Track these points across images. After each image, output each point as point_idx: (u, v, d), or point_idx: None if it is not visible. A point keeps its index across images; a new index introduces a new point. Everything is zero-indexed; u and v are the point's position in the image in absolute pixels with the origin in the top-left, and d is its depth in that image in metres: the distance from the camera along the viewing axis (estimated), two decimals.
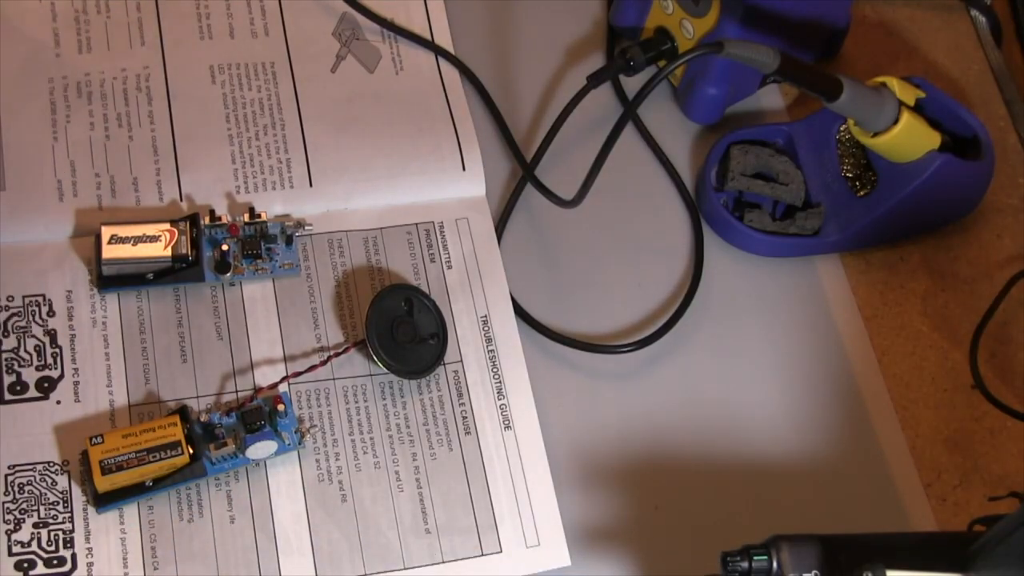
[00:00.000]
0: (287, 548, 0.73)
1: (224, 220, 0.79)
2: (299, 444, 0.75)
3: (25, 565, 0.71)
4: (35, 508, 0.72)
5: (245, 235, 0.79)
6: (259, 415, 0.74)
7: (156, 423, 0.72)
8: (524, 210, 0.85)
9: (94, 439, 0.72)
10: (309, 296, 0.80)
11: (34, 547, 0.71)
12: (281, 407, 0.74)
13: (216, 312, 0.79)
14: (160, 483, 0.72)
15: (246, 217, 0.80)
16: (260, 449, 0.73)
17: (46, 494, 0.72)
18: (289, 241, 0.80)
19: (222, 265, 0.78)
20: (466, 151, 0.85)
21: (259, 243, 0.79)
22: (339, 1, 0.89)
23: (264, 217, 0.80)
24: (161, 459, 0.72)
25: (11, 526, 0.72)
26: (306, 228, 0.80)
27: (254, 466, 0.74)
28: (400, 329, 0.77)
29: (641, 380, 0.80)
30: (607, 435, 0.78)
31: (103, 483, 0.71)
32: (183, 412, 0.73)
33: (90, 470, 0.71)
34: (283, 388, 0.76)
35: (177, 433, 0.72)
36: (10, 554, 0.71)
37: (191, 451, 0.72)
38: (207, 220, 0.79)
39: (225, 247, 0.78)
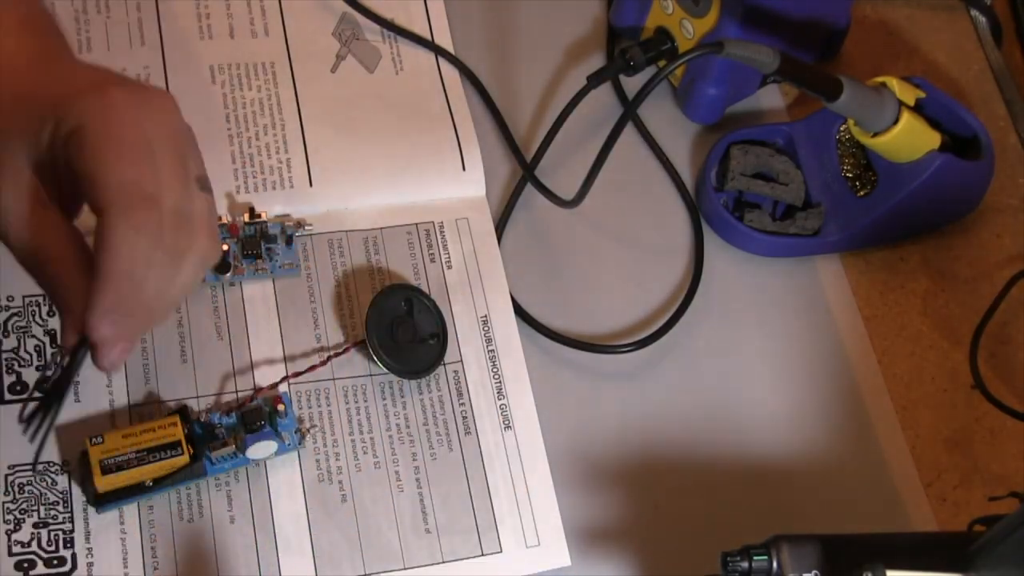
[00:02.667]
0: (287, 548, 0.73)
1: (224, 220, 0.79)
2: (299, 444, 0.75)
3: (25, 565, 0.71)
4: (35, 508, 0.72)
5: (245, 235, 0.79)
6: (259, 415, 0.74)
7: (156, 423, 0.72)
8: (524, 210, 0.85)
9: (94, 439, 0.71)
10: (309, 296, 0.80)
11: (34, 547, 0.71)
12: (281, 407, 0.74)
13: (216, 312, 0.79)
14: (160, 483, 0.72)
15: (246, 217, 0.80)
16: (260, 449, 0.73)
17: (46, 494, 0.72)
18: (289, 241, 0.80)
19: (222, 265, 0.78)
20: (466, 151, 0.85)
21: (259, 243, 0.79)
22: (339, 1, 0.89)
23: (264, 217, 0.80)
24: (161, 459, 0.71)
25: (11, 526, 0.71)
26: (306, 228, 0.80)
27: (254, 466, 0.74)
28: (400, 329, 0.77)
29: (641, 380, 0.80)
30: (607, 435, 0.78)
31: (103, 483, 0.71)
32: (183, 412, 0.73)
33: (90, 470, 0.71)
34: (283, 388, 0.76)
35: (177, 433, 0.72)
36: (10, 554, 0.71)
37: (191, 451, 0.72)
38: None
39: (225, 247, 0.78)
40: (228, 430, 0.73)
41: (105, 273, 0.59)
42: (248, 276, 0.79)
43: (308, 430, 0.75)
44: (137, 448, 0.71)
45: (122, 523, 0.72)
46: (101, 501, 0.71)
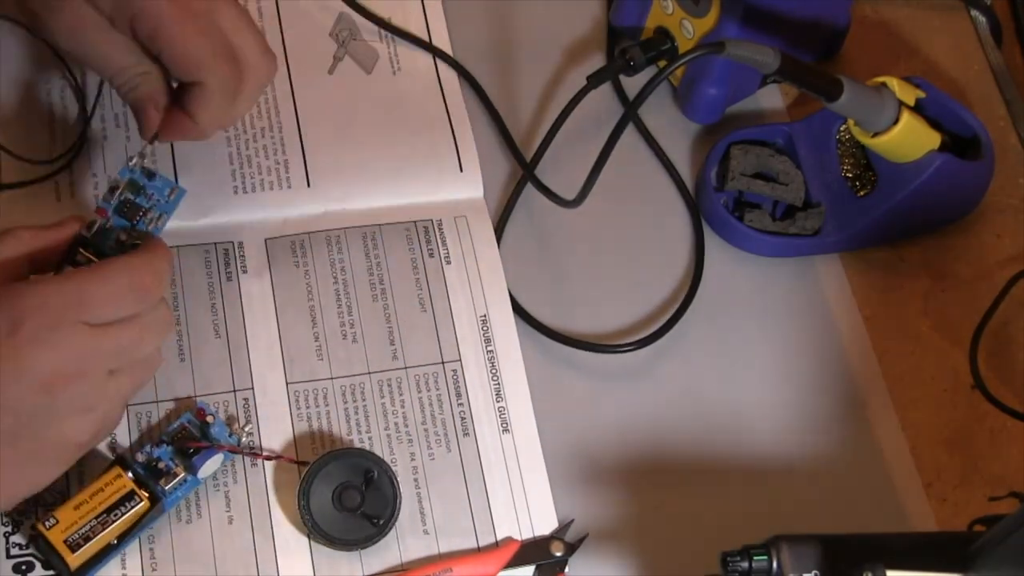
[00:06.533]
0: (285, 549, 0.73)
1: (96, 217, 0.72)
2: (239, 441, 0.74)
3: (23, 567, 0.70)
4: (33, 509, 0.72)
5: (119, 204, 0.73)
6: (188, 435, 0.73)
7: (101, 483, 0.70)
8: (524, 210, 0.85)
9: (47, 522, 0.69)
10: (307, 293, 0.80)
11: (32, 549, 0.71)
12: (210, 418, 0.74)
13: (214, 309, 0.78)
14: (125, 537, 0.70)
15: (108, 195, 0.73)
16: (210, 466, 0.72)
17: (43, 495, 0.72)
18: (151, 175, 0.73)
19: (120, 244, 0.72)
20: (463, 152, 0.85)
21: (135, 201, 0.73)
22: (336, 1, 0.89)
23: (119, 184, 0.73)
24: (123, 514, 0.70)
25: (9, 528, 0.71)
26: (146, 152, 0.74)
27: (252, 467, 0.74)
28: (346, 495, 0.73)
29: (641, 380, 0.80)
30: (607, 435, 0.78)
31: (76, 560, 0.69)
32: (121, 460, 0.71)
33: (55, 551, 0.69)
34: (201, 401, 0.75)
35: (127, 483, 0.70)
36: (8, 556, 0.71)
37: (148, 495, 0.70)
38: (87, 231, 0.71)
39: (123, 237, 0.72)
40: (169, 459, 0.72)
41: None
42: (157, 229, 0.73)
43: (243, 428, 0.75)
44: (95, 513, 0.70)
45: None
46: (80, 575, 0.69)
